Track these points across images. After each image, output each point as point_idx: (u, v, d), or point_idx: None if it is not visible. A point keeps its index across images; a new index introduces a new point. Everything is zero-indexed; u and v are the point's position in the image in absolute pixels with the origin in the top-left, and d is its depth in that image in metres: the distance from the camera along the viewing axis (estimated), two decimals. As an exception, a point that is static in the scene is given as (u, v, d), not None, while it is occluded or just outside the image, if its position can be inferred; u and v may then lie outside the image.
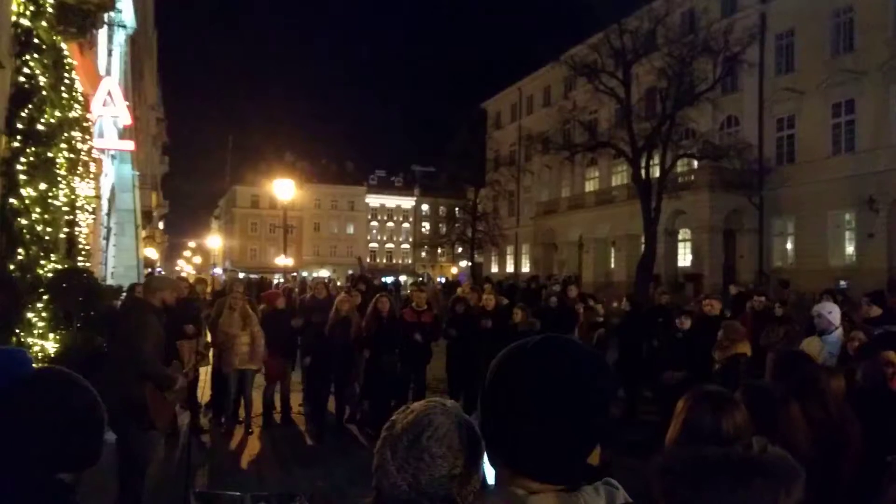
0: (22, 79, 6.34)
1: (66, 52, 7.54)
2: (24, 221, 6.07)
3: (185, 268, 66.63)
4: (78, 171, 7.74)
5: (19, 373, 1.61)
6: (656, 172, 26.55)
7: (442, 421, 1.34)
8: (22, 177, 6.09)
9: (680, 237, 32.31)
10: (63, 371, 1.67)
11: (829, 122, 26.55)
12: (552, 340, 1.23)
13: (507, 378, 1.19)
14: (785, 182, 27.79)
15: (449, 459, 1.31)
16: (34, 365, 1.78)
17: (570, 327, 9.59)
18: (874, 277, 20.79)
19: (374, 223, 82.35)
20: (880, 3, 24.21)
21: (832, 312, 5.97)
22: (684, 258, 31.91)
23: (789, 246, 28.67)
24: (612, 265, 35.73)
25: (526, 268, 44.17)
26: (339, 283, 28.70)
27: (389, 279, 37.16)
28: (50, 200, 6.56)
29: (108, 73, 14.30)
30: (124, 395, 4.33)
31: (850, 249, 25.96)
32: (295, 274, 31.34)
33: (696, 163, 29.44)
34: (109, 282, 12.83)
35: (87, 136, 8.60)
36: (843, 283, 21.53)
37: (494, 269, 48.40)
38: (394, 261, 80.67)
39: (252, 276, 36.33)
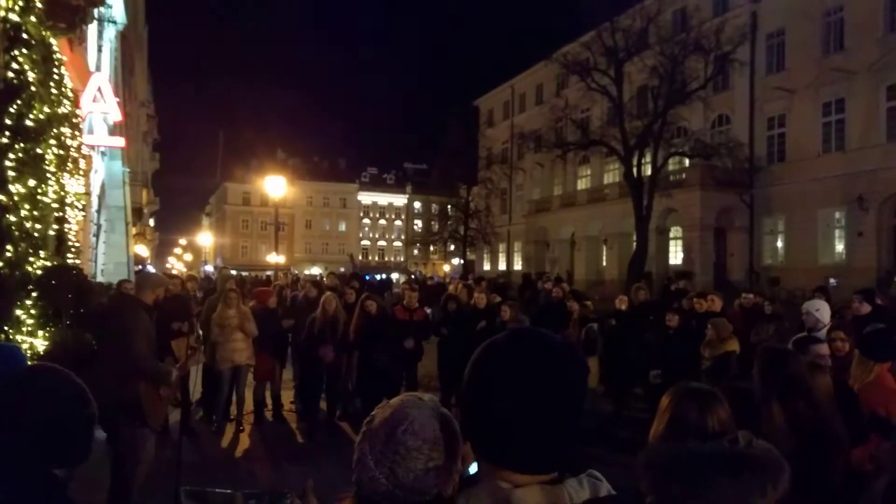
0: (10, 74, 6.28)
1: (55, 48, 7.47)
2: (12, 218, 6.02)
3: (176, 265, 66.30)
4: (67, 168, 7.68)
5: (12, 369, 1.60)
6: (648, 171, 26.66)
7: (417, 414, 1.35)
8: (10, 173, 6.03)
9: (671, 235, 32.43)
10: (54, 367, 1.67)
11: (819, 121, 26.71)
12: (521, 333, 1.24)
13: (480, 374, 1.21)
14: (775, 180, 27.96)
15: (425, 452, 1.32)
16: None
17: (562, 324, 9.60)
18: (863, 275, 20.96)
19: (366, 220, 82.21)
20: (870, 3, 24.36)
21: (819, 310, 5.99)
22: (675, 256, 32.04)
23: (779, 244, 28.85)
24: (604, 263, 35.83)
25: (518, 265, 44.24)
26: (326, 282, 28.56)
27: (380, 277, 36.96)
28: (39, 197, 6.51)
29: (98, 68, 14.23)
30: (117, 393, 4.31)
31: (839, 247, 26.16)
32: (285, 271, 31.23)
33: (687, 161, 29.56)
34: (99, 279, 12.77)
35: (77, 133, 8.52)
36: (832, 280, 21.69)
37: (487, 266, 48.45)
38: (386, 258, 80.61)
39: (243, 273, 36.17)
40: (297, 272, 38.84)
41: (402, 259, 77.78)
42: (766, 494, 0.99)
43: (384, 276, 35.54)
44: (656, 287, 18.88)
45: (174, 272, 32.78)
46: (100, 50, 15.31)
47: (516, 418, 1.14)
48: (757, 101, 29.09)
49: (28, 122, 6.34)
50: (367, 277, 29.19)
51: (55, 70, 7.33)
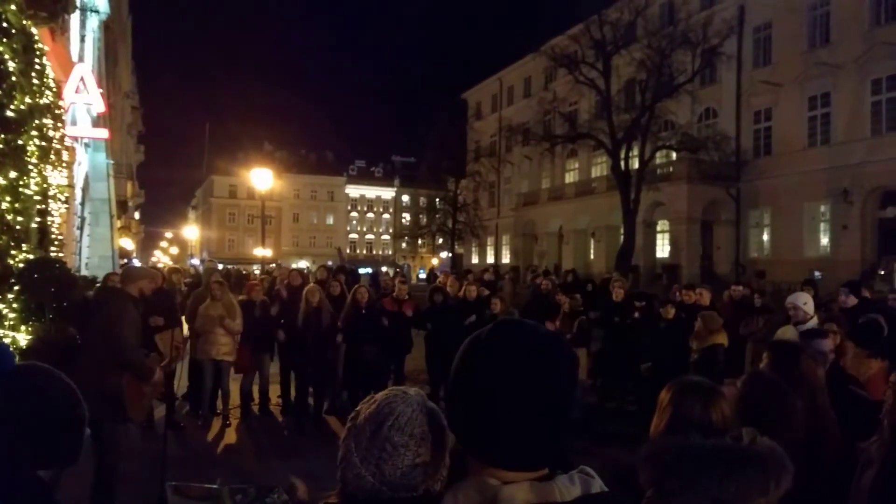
0: (-10, 64, 6.16)
1: (36, 37, 7.33)
2: (-7, 210, 5.92)
3: (163, 258, 65.83)
4: (50, 160, 7.56)
5: (1, 368, 1.55)
6: (635, 164, 26.76)
7: (403, 409, 1.32)
8: (-9, 164, 5.93)
9: (658, 228, 32.59)
10: (44, 367, 1.62)
11: (805, 115, 26.89)
12: (507, 325, 1.20)
13: (466, 368, 1.18)
14: (761, 174, 28.14)
15: (412, 448, 1.29)
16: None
17: (550, 317, 9.59)
18: (848, 268, 21.16)
19: (354, 214, 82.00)
20: (856, -3, 24.51)
21: (807, 304, 6.03)
22: (662, 249, 32.20)
23: (765, 237, 29.05)
24: (592, 256, 35.95)
25: (506, 259, 44.32)
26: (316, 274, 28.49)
27: (367, 270, 36.84)
28: (21, 189, 6.40)
29: (81, 59, 14.02)
30: (100, 386, 4.25)
31: (824, 241, 26.37)
32: (273, 264, 31.07)
33: (674, 154, 29.69)
34: (84, 272, 12.63)
35: (59, 124, 8.39)
36: (817, 273, 21.88)
37: (475, 259, 48.47)
38: (374, 252, 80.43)
39: (230, 266, 35.97)
40: (284, 265, 38.61)
41: (390, 252, 77.65)
42: (769, 492, 0.98)
43: (379, 269, 35.42)
44: (643, 281, 18.95)
45: (159, 265, 32.50)
46: (83, 40, 15.08)
47: (503, 414, 1.11)
48: (743, 94, 29.23)
49: (9, 113, 6.22)
50: (371, 271, 29.18)
51: (37, 60, 7.19)
